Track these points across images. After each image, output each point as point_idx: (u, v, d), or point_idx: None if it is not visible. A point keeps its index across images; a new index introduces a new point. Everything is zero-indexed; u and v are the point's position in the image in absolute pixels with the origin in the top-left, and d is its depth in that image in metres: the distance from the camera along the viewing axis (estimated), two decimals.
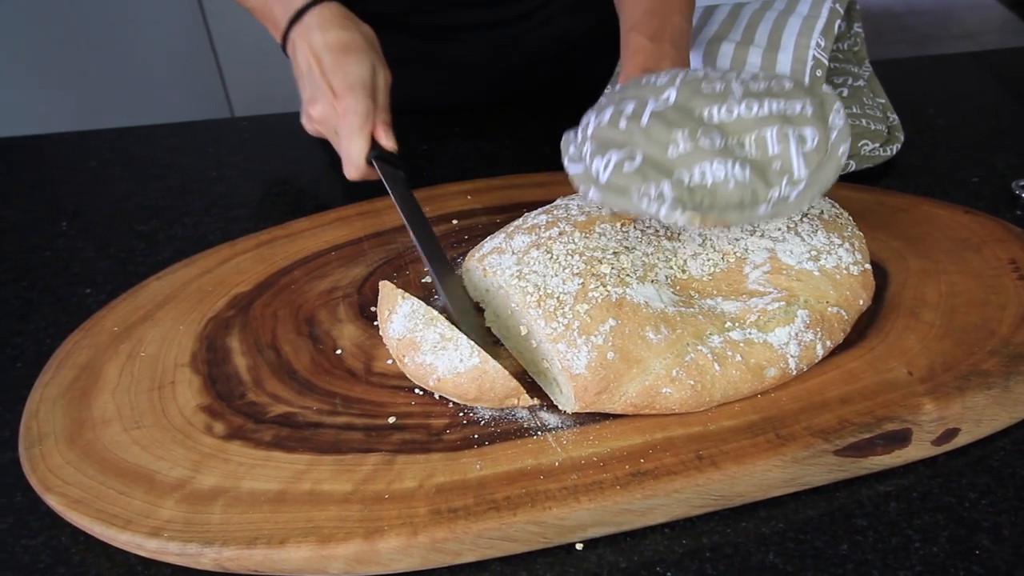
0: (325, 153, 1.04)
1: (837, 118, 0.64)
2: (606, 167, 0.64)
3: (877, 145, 0.94)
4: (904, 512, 0.61)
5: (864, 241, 0.73)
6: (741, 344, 0.64)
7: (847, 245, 0.70)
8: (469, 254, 0.75)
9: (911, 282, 0.75)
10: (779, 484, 0.62)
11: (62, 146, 1.14)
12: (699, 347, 0.64)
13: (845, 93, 0.99)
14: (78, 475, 0.61)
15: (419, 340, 0.65)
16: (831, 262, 0.69)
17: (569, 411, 0.65)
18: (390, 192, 0.83)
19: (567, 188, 0.77)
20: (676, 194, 0.61)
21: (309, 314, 0.77)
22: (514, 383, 0.63)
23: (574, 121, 0.73)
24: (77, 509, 0.59)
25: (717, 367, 0.63)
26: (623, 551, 0.60)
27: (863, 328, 0.71)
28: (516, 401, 0.64)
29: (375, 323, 0.76)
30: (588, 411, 0.64)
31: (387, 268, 0.83)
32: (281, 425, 0.66)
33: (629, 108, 0.66)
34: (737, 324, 0.65)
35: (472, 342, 0.63)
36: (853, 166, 0.93)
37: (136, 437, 0.65)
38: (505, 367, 0.68)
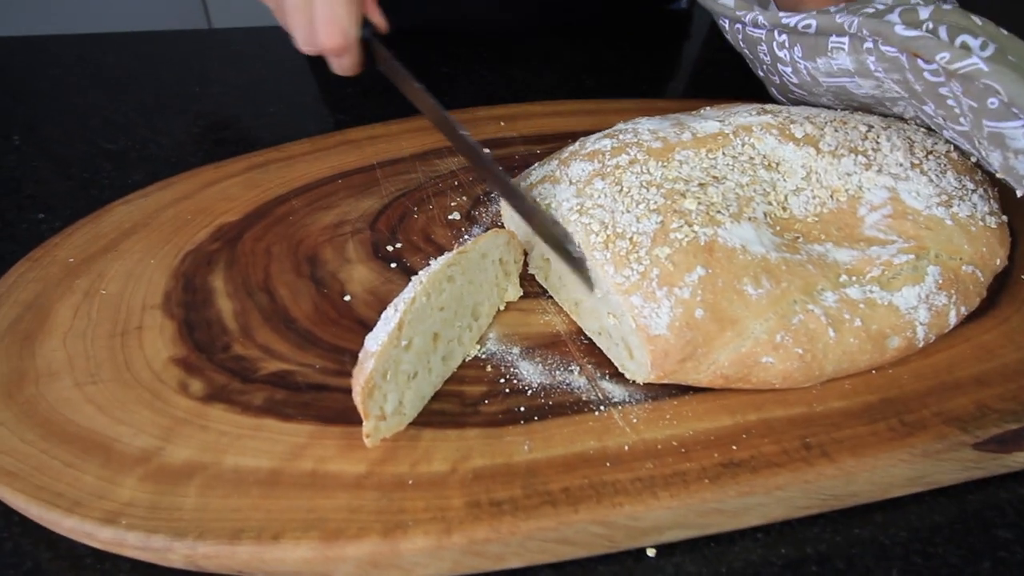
0: (326, 72, 0.90)
1: None
2: None
3: None
4: None
5: (996, 188, 0.60)
6: (861, 305, 0.51)
7: (980, 191, 0.58)
8: (512, 183, 0.61)
9: None
10: (901, 483, 0.50)
11: (19, 52, 1.01)
12: (809, 306, 0.51)
13: None
14: (13, 440, 0.50)
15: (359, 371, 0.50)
16: (964, 210, 0.56)
17: (640, 381, 0.52)
18: (397, 80, 0.66)
19: (622, 118, 0.64)
20: None
21: (311, 252, 0.64)
22: (357, 399, 0.47)
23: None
24: (11, 485, 0.48)
25: (832, 333, 0.50)
26: (706, 560, 0.48)
27: (993, 294, 0.59)
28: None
29: (392, 264, 0.62)
30: (665, 382, 0.51)
31: (406, 201, 0.69)
32: (275, 386, 0.54)
33: None
34: (855, 278, 0.52)
35: (393, 333, 0.48)
36: None
37: (91, 394, 0.53)
38: (553, 324, 0.55)
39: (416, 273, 0.56)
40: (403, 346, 0.49)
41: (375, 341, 0.48)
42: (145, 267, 0.63)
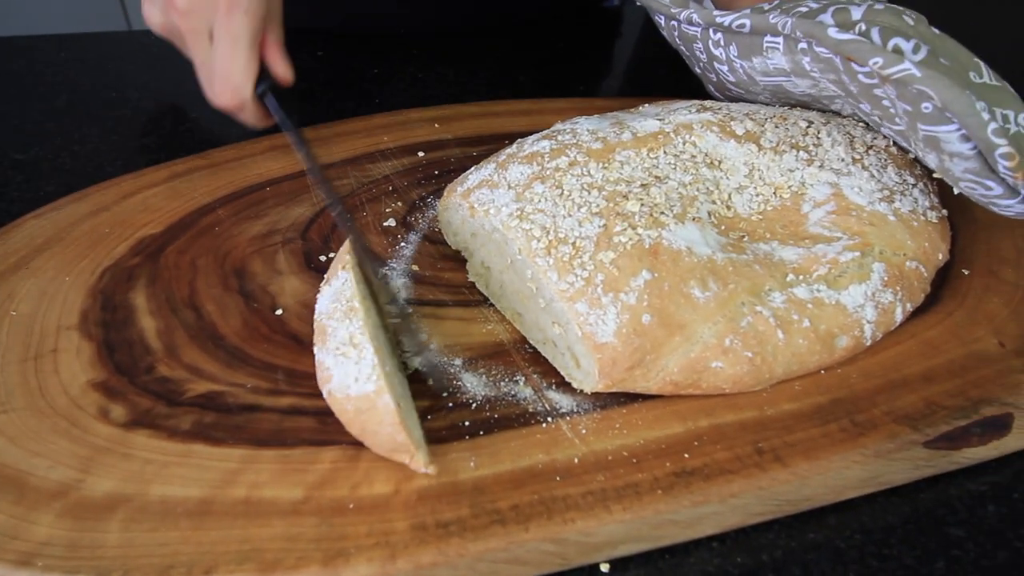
0: None
1: None
2: None
3: None
4: (1007, 518, 0.49)
5: (936, 183, 0.59)
6: (808, 305, 0.50)
7: (920, 186, 0.57)
8: (448, 188, 0.59)
9: (982, 235, 0.63)
10: (855, 485, 0.49)
11: None
12: (757, 308, 0.50)
13: None
14: None
15: (330, 332, 0.48)
16: (906, 205, 0.55)
17: (588, 391, 0.50)
18: (293, 142, 0.65)
19: (559, 118, 0.63)
20: None
21: (239, 264, 0.60)
22: (402, 438, 0.44)
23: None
24: None
25: (781, 335, 0.49)
26: (661, 573, 0.47)
27: (936, 289, 0.58)
28: (407, 459, 0.46)
29: (326, 275, 0.59)
30: (614, 391, 0.50)
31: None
32: (204, 408, 0.51)
33: None
34: (802, 277, 0.51)
35: (376, 362, 0.45)
36: None
37: (2, 425, 0.49)
38: (496, 333, 0.53)
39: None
40: (387, 371, 0.46)
41: (366, 380, 0.45)
42: (60, 285, 0.58)
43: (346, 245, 0.52)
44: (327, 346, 0.47)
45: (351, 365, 0.45)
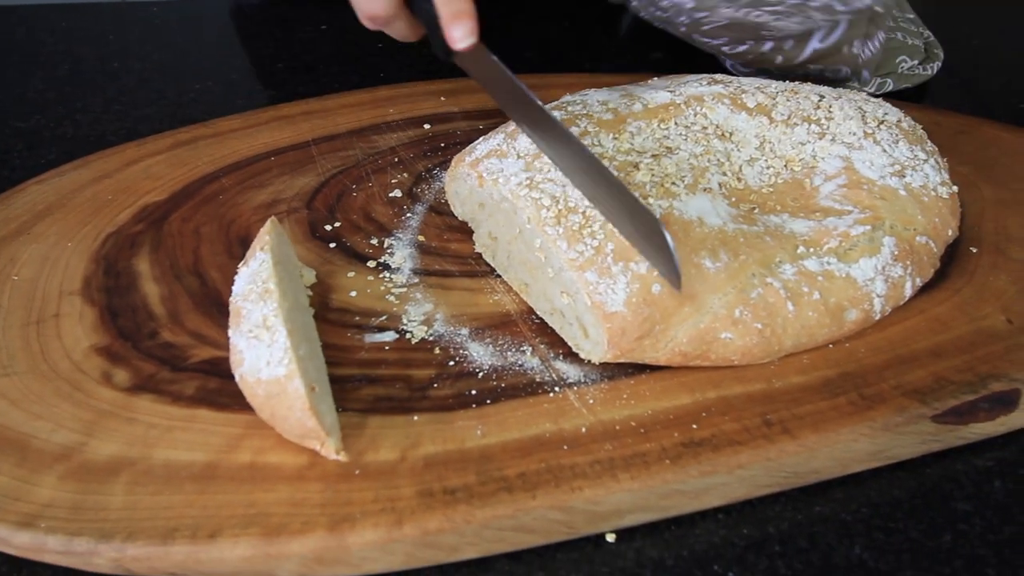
0: (258, 46, 0.86)
1: None
2: None
3: (916, 63, 0.81)
4: (1014, 493, 0.49)
5: (946, 159, 0.59)
6: (819, 277, 0.50)
7: (932, 162, 0.57)
8: (456, 158, 0.58)
9: (989, 213, 0.63)
10: (862, 458, 0.49)
11: None
12: (768, 279, 0.49)
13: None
14: None
15: (244, 314, 0.47)
16: (917, 180, 0.55)
17: (596, 361, 0.50)
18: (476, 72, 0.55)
19: (567, 92, 0.63)
20: None
21: (243, 232, 0.60)
22: (312, 423, 0.43)
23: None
24: None
25: (791, 307, 0.49)
26: (667, 543, 0.46)
27: (944, 266, 0.58)
28: (317, 445, 0.45)
29: (331, 244, 0.59)
30: (621, 361, 0.49)
31: (343, 179, 0.66)
32: (208, 374, 0.50)
33: None
34: (812, 250, 0.51)
35: (289, 345, 0.44)
36: (891, 85, 0.80)
37: (3, 388, 0.49)
38: (503, 304, 0.53)
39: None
40: (301, 355, 0.45)
41: (277, 363, 0.44)
42: (62, 251, 0.58)
43: (266, 227, 0.51)
44: (240, 328, 0.46)
45: (263, 348, 0.45)
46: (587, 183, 0.49)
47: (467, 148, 0.58)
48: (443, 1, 0.51)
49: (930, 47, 0.84)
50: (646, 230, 0.46)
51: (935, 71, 0.83)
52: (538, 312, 0.54)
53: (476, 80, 0.55)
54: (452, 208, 0.61)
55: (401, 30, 0.58)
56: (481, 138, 0.58)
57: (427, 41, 0.57)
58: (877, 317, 0.52)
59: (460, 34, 0.51)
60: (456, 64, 0.55)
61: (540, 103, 0.50)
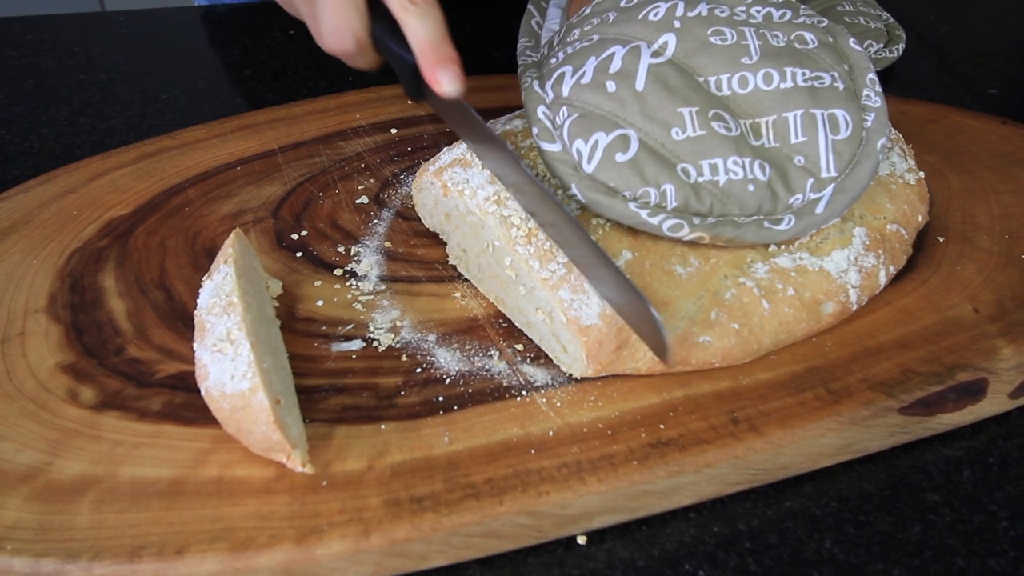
0: (224, 54, 0.85)
1: (872, 93, 0.51)
2: (591, 155, 0.48)
3: (881, 45, 0.81)
4: (983, 483, 0.49)
5: (911, 145, 0.59)
6: (792, 273, 0.50)
7: (897, 149, 0.57)
8: (422, 168, 0.58)
9: (955, 203, 0.63)
10: (830, 452, 0.49)
11: None
12: (741, 279, 0.49)
13: None
14: None
15: (208, 327, 0.47)
16: (884, 169, 0.55)
17: (578, 375, 0.50)
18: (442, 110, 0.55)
19: None
20: (681, 198, 0.47)
21: (209, 244, 0.60)
22: (277, 436, 0.43)
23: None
24: None
25: (766, 304, 0.49)
26: (638, 544, 0.46)
27: (911, 257, 0.58)
28: (283, 458, 0.45)
29: (298, 254, 0.59)
30: (604, 375, 0.49)
31: (310, 187, 0.66)
32: (174, 389, 0.50)
33: (617, 57, 0.50)
34: (783, 247, 0.51)
35: (253, 359, 0.44)
36: None
37: None
38: (470, 308, 0.53)
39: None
40: (265, 367, 0.45)
41: (241, 377, 0.44)
42: (27, 268, 0.58)
43: (230, 239, 0.51)
44: (205, 342, 0.46)
45: (227, 362, 0.45)
46: (570, 248, 0.48)
47: (432, 159, 0.58)
48: (427, 46, 0.51)
49: (891, 28, 0.85)
50: (633, 306, 0.46)
51: (900, 52, 0.83)
52: (517, 324, 0.54)
53: (449, 125, 0.55)
54: (422, 219, 0.61)
55: (361, 64, 0.57)
56: (445, 148, 0.58)
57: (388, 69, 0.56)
58: (854, 307, 0.53)
59: (447, 79, 0.51)
60: (427, 104, 0.55)
61: (517, 158, 0.49)
